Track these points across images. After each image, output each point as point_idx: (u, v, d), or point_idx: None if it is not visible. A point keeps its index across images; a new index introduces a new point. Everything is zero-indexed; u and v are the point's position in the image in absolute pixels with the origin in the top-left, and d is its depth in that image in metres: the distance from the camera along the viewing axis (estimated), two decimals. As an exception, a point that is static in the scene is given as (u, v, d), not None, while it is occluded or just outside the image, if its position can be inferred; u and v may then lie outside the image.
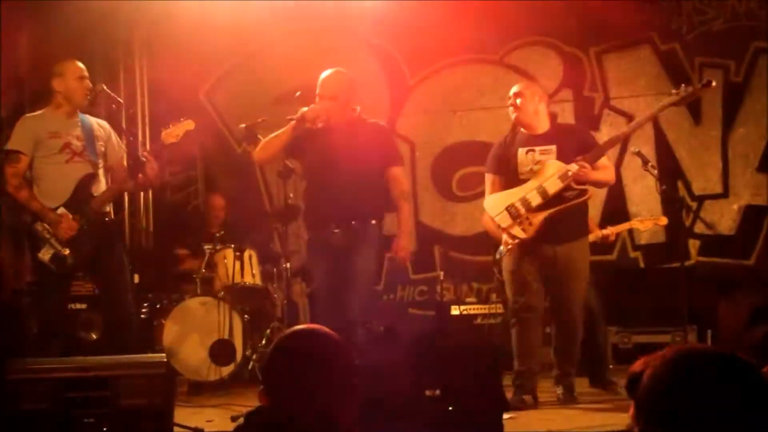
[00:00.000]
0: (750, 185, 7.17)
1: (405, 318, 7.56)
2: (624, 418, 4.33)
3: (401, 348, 4.10)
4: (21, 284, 6.11)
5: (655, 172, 5.66)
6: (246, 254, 6.33)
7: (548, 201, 4.93)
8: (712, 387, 1.38)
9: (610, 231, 5.83)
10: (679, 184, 7.20)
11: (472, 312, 6.68)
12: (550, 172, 4.92)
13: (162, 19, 6.99)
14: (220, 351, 5.98)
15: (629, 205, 7.31)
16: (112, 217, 5.29)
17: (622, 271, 7.16)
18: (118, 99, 6.43)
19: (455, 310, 6.69)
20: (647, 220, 6.12)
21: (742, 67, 7.18)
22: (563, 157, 4.96)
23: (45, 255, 4.87)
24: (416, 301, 7.71)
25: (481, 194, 5.43)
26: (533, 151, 5.04)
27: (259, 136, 5.12)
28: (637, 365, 1.48)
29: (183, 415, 4.50)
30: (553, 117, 5.25)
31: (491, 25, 7.28)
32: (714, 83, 5.07)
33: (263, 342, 6.30)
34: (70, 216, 4.89)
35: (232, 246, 6.36)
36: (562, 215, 4.95)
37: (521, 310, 5.02)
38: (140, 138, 7.23)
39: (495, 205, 5.07)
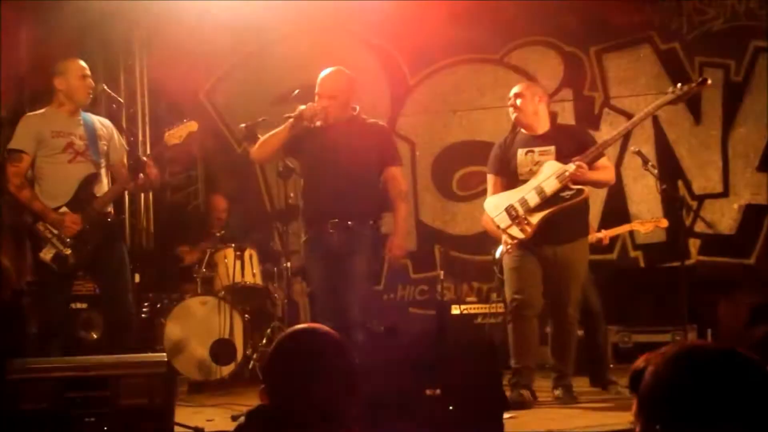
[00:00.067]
0: (750, 184, 7.18)
1: (405, 317, 7.57)
2: (625, 417, 4.34)
3: (401, 347, 4.09)
4: (21, 284, 6.11)
5: (656, 171, 5.66)
6: (246, 254, 6.34)
7: (546, 201, 4.94)
8: (714, 383, 1.39)
9: (603, 234, 5.82)
10: (680, 183, 7.21)
11: (472, 311, 6.69)
12: (548, 173, 4.94)
13: (162, 19, 6.99)
14: (221, 350, 5.98)
15: (629, 204, 7.31)
16: (114, 217, 5.29)
17: (623, 270, 7.17)
18: (119, 99, 6.47)
19: (456, 310, 6.69)
20: (648, 222, 6.11)
21: (742, 67, 7.18)
22: (562, 157, 4.97)
23: (47, 255, 4.85)
24: (417, 300, 7.72)
25: (482, 194, 5.45)
26: (532, 152, 5.06)
27: (259, 135, 5.11)
28: (639, 362, 1.48)
29: (183, 414, 4.50)
30: (553, 117, 5.26)
31: (491, 24, 7.29)
32: (710, 81, 5.07)
33: (264, 341, 6.30)
34: (74, 214, 4.87)
35: (233, 245, 6.37)
36: (562, 215, 4.95)
37: (518, 308, 5.03)
38: (140, 138, 7.24)
39: (494, 205, 5.08)
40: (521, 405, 4.80)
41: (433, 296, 7.38)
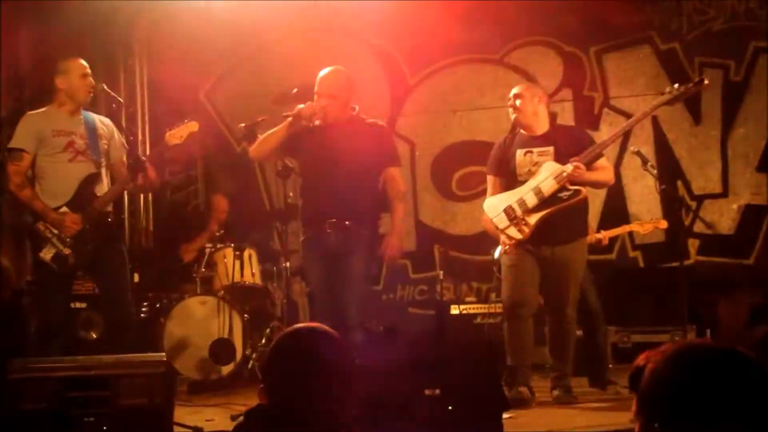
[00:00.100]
0: (750, 185, 7.17)
1: (405, 317, 7.56)
2: (624, 418, 4.33)
3: (401, 347, 4.09)
4: (21, 284, 6.10)
5: (655, 171, 5.66)
6: (246, 253, 6.34)
7: (544, 202, 4.95)
8: (713, 381, 1.39)
9: (603, 235, 5.82)
10: (679, 183, 7.20)
11: (471, 311, 6.68)
12: (546, 174, 4.95)
13: (162, 19, 7.00)
14: (220, 350, 5.98)
15: (629, 204, 7.31)
16: (113, 216, 5.28)
17: (622, 270, 7.16)
18: (118, 98, 6.45)
19: (455, 310, 6.69)
20: (647, 223, 6.10)
21: (742, 67, 7.18)
22: (561, 158, 4.98)
23: (47, 255, 4.85)
24: (416, 300, 7.71)
25: (481, 194, 5.46)
26: (531, 152, 5.07)
27: (259, 135, 5.11)
28: (639, 359, 1.48)
29: (183, 414, 4.50)
30: (552, 118, 5.26)
31: (491, 24, 7.29)
32: (706, 82, 5.08)
33: (263, 341, 6.30)
34: (74, 214, 4.86)
35: (232, 245, 6.37)
36: (560, 216, 4.97)
37: (513, 306, 5.05)
38: (140, 137, 7.24)
39: (493, 206, 5.10)
40: (520, 402, 4.81)
41: (433, 296, 7.38)
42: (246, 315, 6.15)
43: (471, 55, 7.67)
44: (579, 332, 5.50)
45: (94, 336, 6.09)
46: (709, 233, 7.23)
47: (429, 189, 7.82)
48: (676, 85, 4.98)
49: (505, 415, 3.90)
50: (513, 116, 5.14)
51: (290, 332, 2.20)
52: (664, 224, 6.09)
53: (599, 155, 5.05)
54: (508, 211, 5.00)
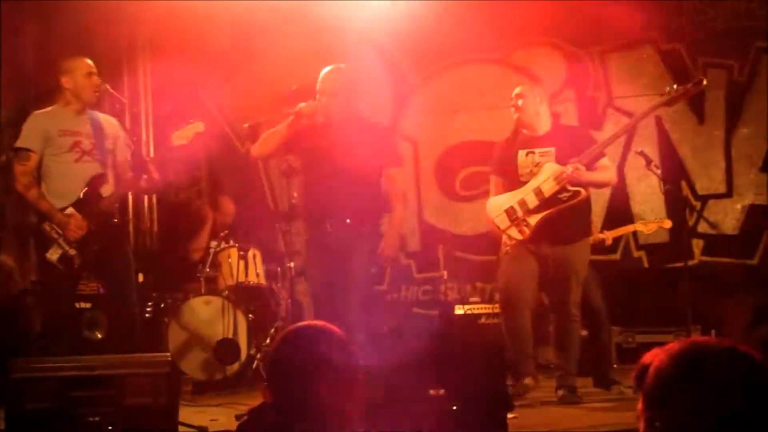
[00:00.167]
0: (753, 185, 7.17)
1: (409, 317, 7.56)
2: (628, 418, 4.32)
3: (405, 347, 4.09)
4: (26, 284, 6.11)
5: (659, 171, 5.66)
6: (250, 253, 6.34)
7: (544, 203, 4.97)
8: (717, 378, 1.39)
9: (606, 235, 5.82)
10: (683, 183, 7.20)
11: (476, 311, 6.68)
12: (547, 174, 4.96)
13: (165, 19, 6.99)
14: (225, 350, 5.98)
15: (633, 204, 7.31)
16: (119, 217, 5.28)
17: (626, 270, 7.16)
18: (122, 99, 6.46)
19: (459, 310, 6.69)
20: (651, 222, 6.11)
21: (746, 67, 7.17)
22: (562, 158, 4.99)
23: (53, 255, 4.84)
24: (420, 300, 7.71)
25: (485, 194, 5.46)
26: (533, 152, 5.08)
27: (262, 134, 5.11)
28: (645, 358, 1.49)
29: (187, 414, 4.50)
30: (554, 118, 5.27)
31: (494, 24, 7.29)
32: (705, 82, 5.08)
33: (267, 341, 6.29)
34: (80, 216, 4.86)
35: (237, 245, 6.37)
36: (562, 216, 4.98)
37: (507, 298, 5.10)
38: (144, 137, 7.25)
39: (495, 206, 5.13)
40: (527, 390, 4.89)
41: (437, 296, 7.38)
42: (250, 315, 6.16)
43: (474, 54, 7.67)
44: (584, 332, 5.50)
45: (99, 336, 6.08)
46: (713, 233, 7.22)
47: (433, 189, 7.82)
48: (675, 86, 5.00)
49: (509, 416, 3.91)
50: (515, 116, 5.15)
51: (294, 330, 2.20)
52: (668, 224, 6.10)
53: (600, 155, 5.06)
54: (510, 212, 5.03)
